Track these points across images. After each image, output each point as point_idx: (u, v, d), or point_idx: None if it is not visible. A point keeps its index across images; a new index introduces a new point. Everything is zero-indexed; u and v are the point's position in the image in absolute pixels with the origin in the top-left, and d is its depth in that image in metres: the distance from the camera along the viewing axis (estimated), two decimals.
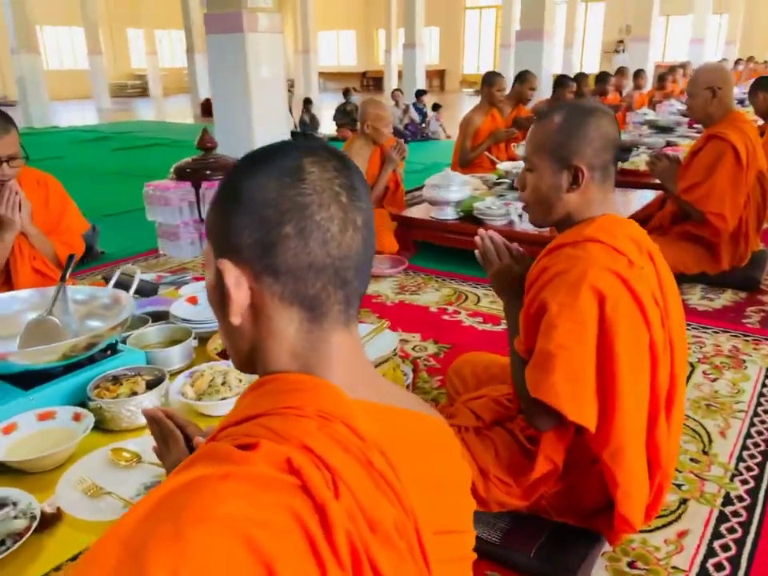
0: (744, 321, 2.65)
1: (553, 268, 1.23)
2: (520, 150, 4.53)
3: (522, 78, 5.18)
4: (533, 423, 1.28)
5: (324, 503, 0.50)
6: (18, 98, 11.13)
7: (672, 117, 6.43)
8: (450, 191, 3.20)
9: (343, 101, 10.45)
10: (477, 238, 1.43)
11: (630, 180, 4.11)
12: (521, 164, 3.78)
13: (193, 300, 1.78)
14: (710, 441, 1.81)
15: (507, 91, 4.88)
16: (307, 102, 10.24)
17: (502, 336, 2.07)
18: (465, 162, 4.77)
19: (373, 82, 21.55)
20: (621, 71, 6.41)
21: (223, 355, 1.55)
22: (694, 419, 1.92)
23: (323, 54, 25.13)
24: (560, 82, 5.47)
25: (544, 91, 6.51)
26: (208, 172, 3.55)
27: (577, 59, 19.11)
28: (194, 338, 1.59)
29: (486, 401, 1.48)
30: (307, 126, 10.26)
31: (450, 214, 3.28)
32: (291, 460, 0.51)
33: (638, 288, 1.18)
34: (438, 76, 21.11)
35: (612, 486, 1.21)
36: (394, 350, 1.60)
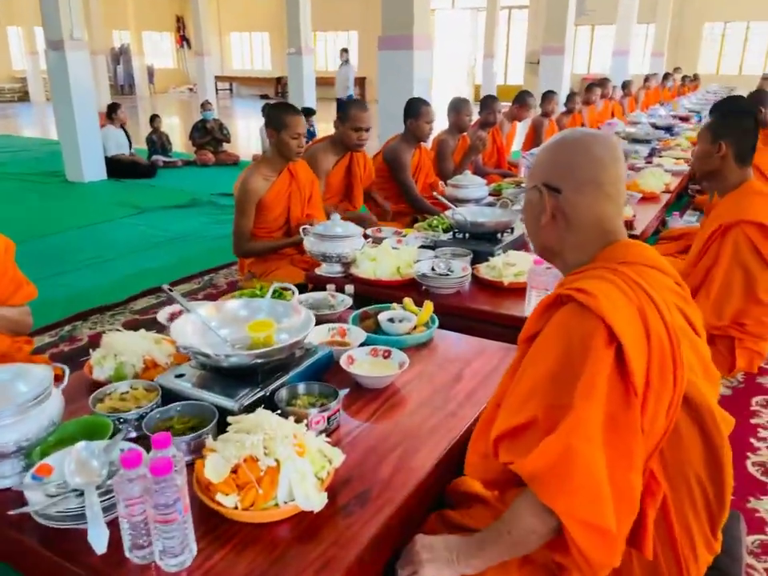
0: None
1: None
2: None
3: (346, 113, 3.26)
4: None
5: None
6: None
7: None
8: None
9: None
10: None
11: (472, 309, 2.10)
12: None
13: None
14: None
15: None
16: (154, 119, 8.25)
17: None
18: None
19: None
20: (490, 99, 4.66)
21: None
22: None
23: (236, 58, 23.21)
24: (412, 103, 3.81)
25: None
26: None
27: (500, 70, 17.81)
28: None
29: None
30: (155, 146, 8.30)
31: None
32: None
33: None
34: (358, 84, 19.44)
35: None
36: None
